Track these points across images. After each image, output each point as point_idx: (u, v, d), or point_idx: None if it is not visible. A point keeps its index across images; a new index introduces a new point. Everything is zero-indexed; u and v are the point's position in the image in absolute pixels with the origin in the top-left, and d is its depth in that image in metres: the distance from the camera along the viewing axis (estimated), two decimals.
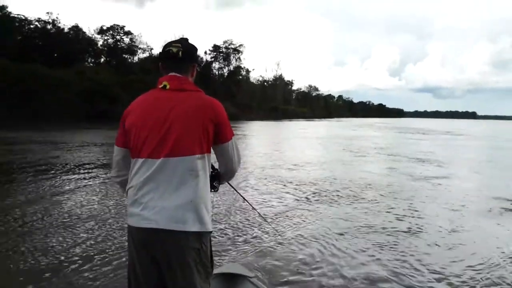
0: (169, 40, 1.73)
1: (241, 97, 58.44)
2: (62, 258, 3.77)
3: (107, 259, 3.76)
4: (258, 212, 5.08)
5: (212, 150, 1.65)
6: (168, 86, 1.61)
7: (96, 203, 5.98)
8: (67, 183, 7.45)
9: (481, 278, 3.60)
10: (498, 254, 4.23)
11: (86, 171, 8.89)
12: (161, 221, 1.48)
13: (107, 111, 32.09)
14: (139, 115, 1.59)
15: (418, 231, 5.02)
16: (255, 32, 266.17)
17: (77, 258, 3.78)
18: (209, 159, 1.61)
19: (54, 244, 4.16)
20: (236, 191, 2.21)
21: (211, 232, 1.61)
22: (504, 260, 4.07)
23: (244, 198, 2.63)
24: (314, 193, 7.21)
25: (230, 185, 1.99)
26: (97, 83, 32.99)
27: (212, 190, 1.73)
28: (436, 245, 4.52)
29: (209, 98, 1.63)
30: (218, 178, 1.80)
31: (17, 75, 28.90)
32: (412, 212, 6.04)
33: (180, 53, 1.64)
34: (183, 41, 1.70)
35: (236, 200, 6.16)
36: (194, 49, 1.73)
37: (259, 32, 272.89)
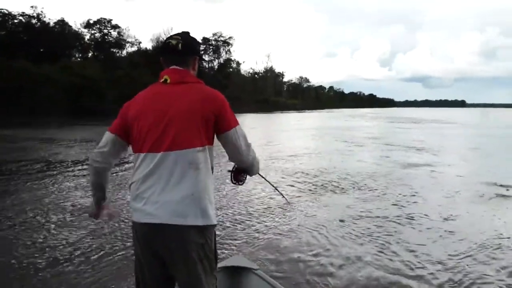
0: (169, 35, 1.80)
1: (232, 89, 58.16)
2: (59, 255, 3.76)
3: (107, 254, 3.77)
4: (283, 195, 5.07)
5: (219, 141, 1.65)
6: (169, 80, 1.60)
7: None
8: (67, 181, 7.37)
9: (467, 264, 3.66)
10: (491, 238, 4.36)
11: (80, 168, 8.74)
12: (163, 216, 1.48)
13: (95, 107, 31.72)
14: (140, 109, 1.59)
15: (414, 218, 5.15)
16: (245, 24, 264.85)
17: (78, 253, 3.80)
18: (211, 152, 1.60)
19: (51, 240, 4.16)
20: (264, 179, 2.02)
21: (215, 225, 1.59)
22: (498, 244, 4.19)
23: (273, 186, 2.21)
24: (313, 184, 7.27)
25: (261, 175, 1.89)
26: (84, 78, 32.48)
27: (239, 183, 1.77)
28: (429, 229, 4.70)
29: (210, 90, 1.62)
30: (246, 171, 1.78)
31: (1, 72, 28.32)
32: (408, 199, 6.20)
33: (180, 45, 1.62)
34: (184, 34, 1.68)
35: (237, 193, 6.24)
36: (194, 41, 1.72)
37: (249, 24, 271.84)
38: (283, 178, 7.86)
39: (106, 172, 1.70)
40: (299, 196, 6.33)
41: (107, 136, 1.67)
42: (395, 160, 10.60)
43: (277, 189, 2.19)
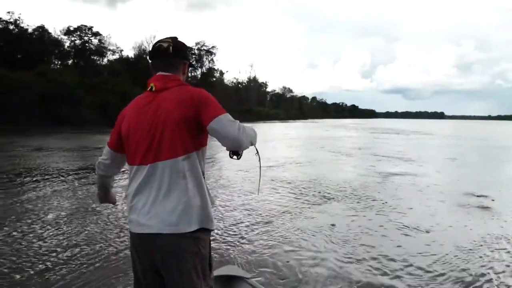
0: (151, 43, 1.47)
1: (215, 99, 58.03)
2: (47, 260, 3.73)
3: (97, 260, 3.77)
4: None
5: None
6: (154, 88, 1.59)
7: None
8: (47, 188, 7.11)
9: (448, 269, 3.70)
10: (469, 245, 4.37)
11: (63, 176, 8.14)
12: (155, 226, 1.48)
13: (69, 115, 30.81)
14: (130, 121, 1.60)
15: (398, 228, 5.09)
16: (228, 34, 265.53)
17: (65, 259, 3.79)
18: (200, 156, 1.56)
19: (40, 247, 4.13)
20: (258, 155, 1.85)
21: (210, 231, 1.58)
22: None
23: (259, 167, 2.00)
24: (302, 192, 7.30)
25: (256, 150, 1.79)
26: (59, 85, 31.55)
27: (236, 157, 1.65)
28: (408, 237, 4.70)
29: (187, 90, 1.57)
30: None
31: None
32: (393, 206, 6.28)
33: (170, 48, 1.61)
34: (173, 38, 1.67)
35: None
36: (185, 46, 1.71)
37: (232, 34, 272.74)
38: (273, 188, 7.66)
39: (109, 179, 1.83)
40: (288, 206, 6.22)
41: (107, 150, 1.73)
42: (379, 169, 10.53)
43: (260, 175, 2.10)
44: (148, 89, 1.62)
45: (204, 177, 1.58)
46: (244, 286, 2.36)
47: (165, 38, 1.65)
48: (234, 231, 4.84)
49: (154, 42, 1.69)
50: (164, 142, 1.51)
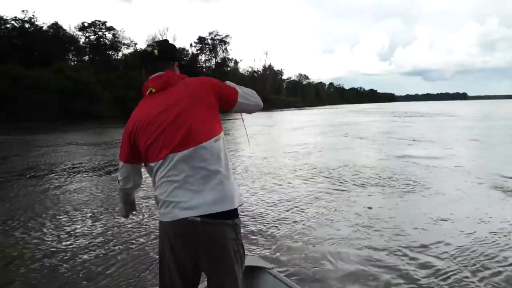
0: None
1: None
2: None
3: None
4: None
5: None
6: (153, 90, 1.61)
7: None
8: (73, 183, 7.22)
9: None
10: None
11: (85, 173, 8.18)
12: (201, 208, 1.48)
13: (87, 110, 31.20)
14: (142, 126, 1.58)
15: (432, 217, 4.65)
16: (242, 22, 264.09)
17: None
18: (223, 136, 1.62)
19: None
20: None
21: (240, 221, 1.61)
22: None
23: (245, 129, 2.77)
24: (335, 177, 7.30)
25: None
26: (76, 81, 31.98)
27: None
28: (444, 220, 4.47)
29: (195, 79, 1.65)
30: None
31: None
32: (429, 191, 6.10)
33: (155, 51, 1.65)
34: (160, 42, 1.74)
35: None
36: (171, 47, 1.74)
37: (246, 23, 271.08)
38: (307, 174, 7.70)
39: (132, 192, 1.83)
40: (321, 192, 6.22)
41: (121, 165, 1.72)
42: (406, 153, 10.34)
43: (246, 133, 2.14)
44: (147, 93, 1.63)
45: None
46: (267, 276, 2.36)
47: (150, 44, 1.70)
48: (263, 217, 4.83)
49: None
50: (194, 129, 1.52)
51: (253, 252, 3.72)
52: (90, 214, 5.21)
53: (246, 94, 1.76)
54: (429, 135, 15.40)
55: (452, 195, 5.80)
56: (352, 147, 12.44)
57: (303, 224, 4.56)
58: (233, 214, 1.55)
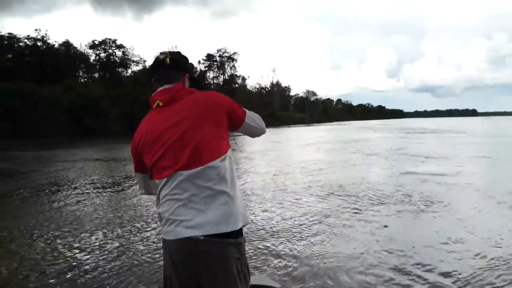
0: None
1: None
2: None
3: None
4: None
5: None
6: (161, 104, 1.57)
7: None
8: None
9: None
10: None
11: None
12: (203, 228, 1.46)
13: (95, 126, 31.51)
14: (149, 141, 1.57)
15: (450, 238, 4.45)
16: (250, 40, 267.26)
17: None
18: (230, 153, 1.60)
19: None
20: None
21: (245, 240, 1.60)
22: None
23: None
24: (348, 194, 7.22)
25: None
26: (85, 98, 32.46)
27: None
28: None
29: (205, 93, 1.61)
30: None
31: (4, 94, 28.31)
32: (445, 209, 5.99)
33: (167, 59, 1.63)
34: (173, 52, 1.70)
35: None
36: (183, 58, 1.73)
37: (254, 40, 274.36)
38: (320, 191, 7.67)
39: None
40: (331, 209, 6.16)
41: (136, 175, 1.76)
42: (418, 170, 10.17)
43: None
44: (154, 106, 1.60)
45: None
46: None
47: (164, 51, 1.69)
48: (274, 234, 4.79)
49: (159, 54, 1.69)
50: (200, 149, 1.50)
51: (262, 270, 3.67)
52: (105, 230, 5.21)
53: (253, 116, 1.78)
54: (440, 152, 15.19)
55: (465, 214, 5.63)
56: (364, 163, 12.31)
57: (316, 242, 4.48)
58: (237, 233, 1.53)
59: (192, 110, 1.54)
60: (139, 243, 4.62)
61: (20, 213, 6.37)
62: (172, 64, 1.64)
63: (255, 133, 1.83)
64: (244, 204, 1.61)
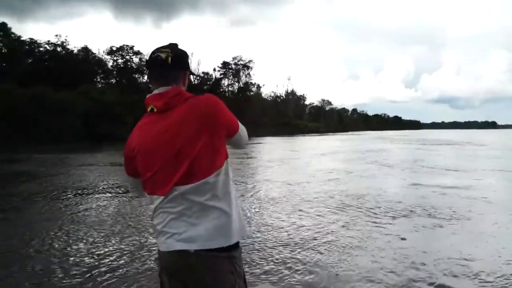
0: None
1: (252, 113, 58.33)
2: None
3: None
4: None
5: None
6: (155, 109, 1.51)
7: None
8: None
9: None
10: None
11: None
12: (192, 243, 1.44)
13: (110, 132, 31.93)
14: (141, 151, 1.53)
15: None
16: (265, 48, 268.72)
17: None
18: (227, 165, 1.53)
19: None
20: None
21: (240, 248, 1.56)
22: None
23: None
24: (365, 206, 7.07)
25: None
26: (101, 103, 32.96)
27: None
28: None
29: (200, 102, 1.49)
30: None
31: (18, 99, 29.02)
32: (455, 224, 5.80)
33: (169, 59, 1.52)
34: (172, 46, 1.58)
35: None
36: (185, 54, 1.62)
37: (269, 48, 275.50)
38: (340, 201, 7.64)
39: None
40: (346, 220, 6.09)
41: (127, 178, 1.72)
42: (437, 182, 9.94)
43: None
44: (148, 110, 1.54)
45: (232, 181, 1.57)
46: None
47: (163, 47, 1.57)
48: (287, 244, 4.73)
49: (153, 49, 1.58)
50: (195, 165, 1.45)
51: (271, 280, 3.64)
52: (118, 237, 5.25)
53: (243, 127, 1.70)
54: (459, 164, 14.83)
55: (484, 230, 5.45)
56: (380, 174, 12.14)
57: (330, 253, 4.42)
58: (231, 246, 1.50)
59: (187, 122, 1.47)
60: (147, 249, 4.58)
61: (47, 215, 6.62)
62: (174, 63, 1.54)
63: (241, 144, 1.73)
64: (241, 217, 1.56)
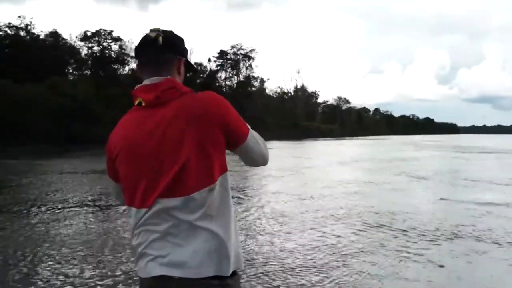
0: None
1: (253, 112, 58.45)
2: None
3: None
4: None
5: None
6: (143, 103, 1.49)
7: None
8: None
9: None
10: None
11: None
12: (177, 269, 1.43)
13: (84, 132, 32.05)
14: (123, 153, 1.53)
15: None
16: (271, 35, 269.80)
17: None
18: (225, 179, 1.51)
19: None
20: None
21: (239, 275, 1.56)
22: None
23: None
24: (388, 227, 7.07)
25: None
26: (72, 99, 33.09)
27: None
28: None
29: (199, 98, 1.49)
30: None
31: None
32: (498, 250, 5.80)
33: (160, 38, 1.52)
34: (166, 30, 1.60)
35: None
36: (178, 38, 1.63)
37: (276, 36, 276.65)
38: (365, 219, 7.73)
39: None
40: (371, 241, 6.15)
41: (111, 184, 1.74)
42: (482, 199, 9.92)
43: None
44: (136, 103, 1.52)
45: (231, 201, 1.56)
46: None
47: (154, 28, 1.57)
48: (300, 273, 4.71)
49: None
50: (184, 175, 1.43)
51: None
52: (99, 254, 5.34)
53: (257, 136, 1.65)
54: (506, 178, 14.86)
55: None
56: (409, 188, 12.20)
57: (349, 284, 4.42)
58: (225, 277, 1.48)
59: (180, 123, 1.44)
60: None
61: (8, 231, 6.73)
62: (165, 45, 1.53)
63: (255, 159, 1.67)
64: (238, 244, 1.56)
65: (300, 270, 4.81)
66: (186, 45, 1.67)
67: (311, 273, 4.73)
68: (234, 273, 1.52)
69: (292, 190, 11.30)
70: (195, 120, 1.44)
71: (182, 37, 1.65)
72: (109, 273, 4.75)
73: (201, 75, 69.87)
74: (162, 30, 1.58)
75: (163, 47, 1.53)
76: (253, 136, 1.63)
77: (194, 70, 1.91)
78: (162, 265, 1.44)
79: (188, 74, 1.78)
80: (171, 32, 1.63)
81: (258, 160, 1.68)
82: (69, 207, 8.66)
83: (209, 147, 1.45)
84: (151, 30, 1.56)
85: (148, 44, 1.54)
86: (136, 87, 1.54)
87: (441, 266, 4.99)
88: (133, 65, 59.95)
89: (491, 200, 9.71)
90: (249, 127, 1.62)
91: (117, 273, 4.73)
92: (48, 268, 4.91)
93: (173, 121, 1.45)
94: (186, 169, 1.43)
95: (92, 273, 4.76)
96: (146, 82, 1.51)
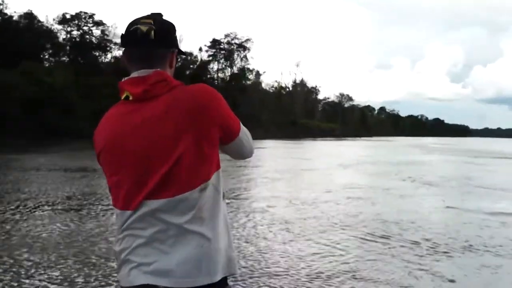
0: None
1: (248, 107, 58.50)
2: None
3: None
4: None
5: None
6: (130, 97, 1.50)
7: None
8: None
9: None
10: None
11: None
12: (160, 279, 1.44)
13: (60, 124, 31.88)
14: (107, 149, 1.54)
15: None
16: (268, 25, 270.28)
17: None
18: (217, 178, 1.54)
19: None
20: None
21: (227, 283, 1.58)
22: None
23: None
24: (395, 238, 7.11)
25: None
26: (48, 87, 32.89)
27: None
28: None
29: (190, 91, 1.50)
30: None
31: None
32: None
33: (152, 32, 1.50)
34: (156, 16, 1.56)
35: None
36: (172, 27, 1.62)
37: (273, 25, 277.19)
38: (370, 229, 7.74)
39: None
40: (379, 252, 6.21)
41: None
42: (493, 210, 9.97)
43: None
44: (123, 97, 1.53)
45: (224, 200, 1.59)
46: None
47: (144, 18, 1.55)
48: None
49: (132, 20, 1.57)
50: (173, 174, 1.45)
51: None
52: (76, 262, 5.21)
53: (246, 130, 1.70)
54: None
55: None
56: (417, 195, 12.28)
57: None
58: (215, 284, 1.49)
59: (171, 118, 1.45)
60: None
61: None
62: (158, 39, 1.51)
63: (244, 153, 1.75)
64: (231, 247, 1.58)
65: (305, 281, 4.85)
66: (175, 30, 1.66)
67: (315, 285, 4.77)
68: (225, 279, 1.54)
69: (292, 194, 11.41)
70: (188, 116, 1.45)
71: (172, 22, 1.64)
72: (100, 277, 4.75)
73: (191, 66, 69.79)
74: (152, 15, 1.56)
75: (155, 42, 1.51)
76: (244, 131, 1.67)
77: (184, 54, 1.91)
78: (147, 274, 1.45)
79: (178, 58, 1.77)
80: (162, 19, 1.60)
81: (247, 154, 1.76)
82: (49, 207, 8.67)
83: (203, 143, 1.46)
84: (142, 22, 1.52)
85: (138, 39, 1.51)
86: (123, 80, 1.54)
87: (452, 281, 5.03)
88: (116, 52, 59.93)
89: (505, 209, 9.81)
90: (240, 123, 1.65)
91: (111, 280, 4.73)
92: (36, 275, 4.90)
93: (163, 117, 1.45)
94: (177, 168, 1.44)
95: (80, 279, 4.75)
96: (134, 74, 1.52)
